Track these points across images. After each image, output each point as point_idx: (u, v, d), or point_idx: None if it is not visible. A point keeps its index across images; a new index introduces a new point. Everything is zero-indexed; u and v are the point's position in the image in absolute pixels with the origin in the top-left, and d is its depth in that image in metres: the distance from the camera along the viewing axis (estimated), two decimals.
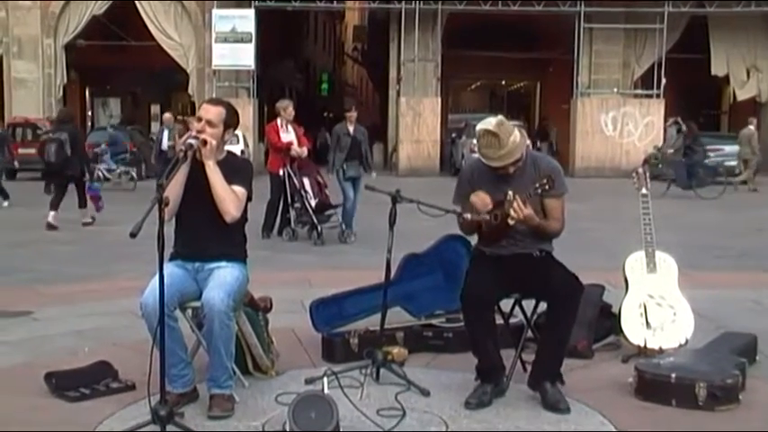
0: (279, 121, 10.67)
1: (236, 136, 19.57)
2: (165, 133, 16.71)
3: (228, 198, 3.90)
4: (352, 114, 10.83)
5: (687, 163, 17.88)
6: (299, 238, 10.48)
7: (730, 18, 25.41)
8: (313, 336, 4.98)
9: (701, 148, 18.39)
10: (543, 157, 4.33)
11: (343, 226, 10.52)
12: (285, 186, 10.46)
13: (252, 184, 4.09)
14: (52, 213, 11.41)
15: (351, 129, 10.76)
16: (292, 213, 10.59)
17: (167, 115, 18.15)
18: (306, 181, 10.41)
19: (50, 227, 11.28)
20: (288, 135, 10.60)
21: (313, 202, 10.31)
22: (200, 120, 3.98)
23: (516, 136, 4.02)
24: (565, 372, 4.18)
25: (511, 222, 4.00)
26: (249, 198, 4.05)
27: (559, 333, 4.04)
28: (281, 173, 10.46)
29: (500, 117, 4.09)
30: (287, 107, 10.76)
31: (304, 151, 10.63)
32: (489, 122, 4.03)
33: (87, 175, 12.48)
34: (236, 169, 4.02)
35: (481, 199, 4.10)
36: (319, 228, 10.24)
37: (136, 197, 15.31)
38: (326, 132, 37.59)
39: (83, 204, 11.95)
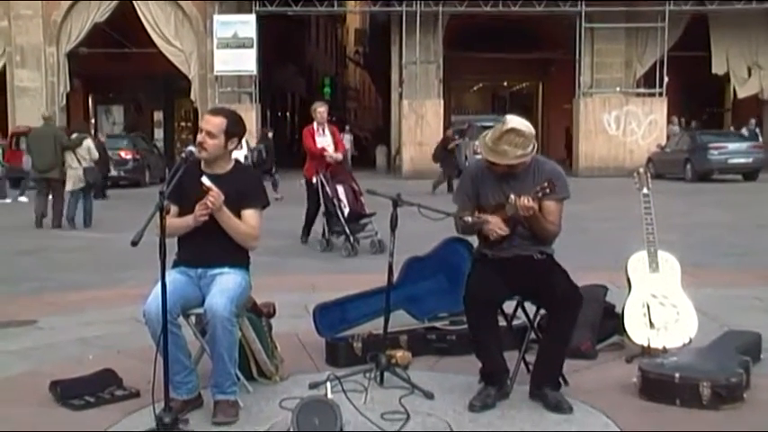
0: (315, 124, 10.03)
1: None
2: None
3: (245, 236, 3.99)
4: None
5: None
6: (333, 248, 9.89)
7: (731, 16, 25.38)
8: (317, 340, 4.98)
9: None
10: (546, 161, 4.33)
11: None
12: (318, 194, 9.88)
13: (265, 193, 4.14)
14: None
15: None
16: (325, 222, 9.96)
17: None
18: (340, 188, 9.77)
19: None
20: (324, 139, 9.99)
21: (346, 211, 9.65)
22: (201, 131, 4.00)
23: (534, 142, 4.07)
24: (568, 372, 4.18)
25: (493, 237, 4.03)
26: (264, 206, 4.09)
27: (559, 339, 4.05)
28: (314, 180, 9.88)
29: (524, 120, 4.09)
30: (316, 109, 10.15)
31: (339, 156, 9.98)
32: (521, 122, 4.02)
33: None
34: (244, 188, 4.03)
35: (495, 223, 4.08)
36: (351, 238, 9.61)
37: (139, 204, 15.31)
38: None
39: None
